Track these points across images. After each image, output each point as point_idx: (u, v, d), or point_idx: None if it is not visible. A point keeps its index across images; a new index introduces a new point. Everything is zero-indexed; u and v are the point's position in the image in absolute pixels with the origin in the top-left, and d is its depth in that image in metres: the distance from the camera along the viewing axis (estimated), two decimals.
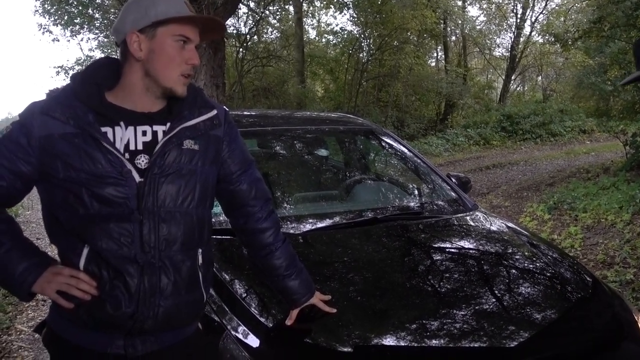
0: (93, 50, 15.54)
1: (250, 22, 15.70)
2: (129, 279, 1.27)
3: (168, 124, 1.33)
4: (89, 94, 1.28)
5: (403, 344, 1.62)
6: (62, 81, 14.71)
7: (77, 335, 1.33)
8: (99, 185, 1.24)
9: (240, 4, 11.53)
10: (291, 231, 2.27)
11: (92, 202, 1.25)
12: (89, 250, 1.27)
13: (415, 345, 1.61)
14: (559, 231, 5.71)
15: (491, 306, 1.82)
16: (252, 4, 15.19)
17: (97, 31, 14.70)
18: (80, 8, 13.45)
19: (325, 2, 16.41)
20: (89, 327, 1.31)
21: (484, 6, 21.57)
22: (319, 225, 2.41)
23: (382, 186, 3.17)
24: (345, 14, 17.63)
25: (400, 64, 16.05)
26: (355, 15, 16.22)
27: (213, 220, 1.52)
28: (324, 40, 19.15)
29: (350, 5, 15.75)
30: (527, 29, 21.09)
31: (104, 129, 1.27)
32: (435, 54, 21.05)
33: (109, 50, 14.78)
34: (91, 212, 1.25)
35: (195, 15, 1.35)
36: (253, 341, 1.60)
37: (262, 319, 1.68)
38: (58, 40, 17.55)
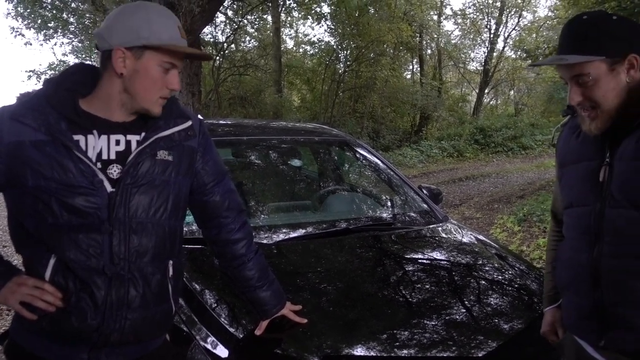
0: (67, 55, 15.25)
1: (227, 30, 15.69)
2: (95, 290, 1.25)
3: (142, 134, 1.32)
4: (63, 100, 1.26)
5: (373, 354, 1.63)
6: (34, 85, 14.41)
7: (40, 347, 1.31)
8: (69, 194, 1.22)
9: (218, 13, 11.52)
10: (264, 241, 2.27)
11: (61, 211, 1.23)
12: (55, 260, 1.25)
13: (385, 355, 1.62)
14: (528, 243, 5.82)
15: (461, 316, 1.86)
16: (230, 13, 15.18)
17: (71, 36, 14.47)
18: (54, 12, 13.22)
19: (303, 13, 16.51)
20: (53, 339, 1.29)
21: (459, 21, 22.06)
22: (292, 235, 2.41)
23: (355, 197, 3.20)
24: (322, 25, 17.81)
25: (376, 76, 16.23)
26: (332, 27, 16.36)
27: (184, 229, 1.52)
28: (301, 50, 19.26)
29: (328, 16, 15.89)
30: (500, 44, 21.63)
31: (76, 137, 1.25)
32: (410, 67, 21.36)
33: (83, 56, 14.54)
34: (60, 222, 1.23)
35: (189, 49, 1.34)
36: (222, 352, 1.59)
37: (232, 329, 1.68)
38: (30, 44, 17.20)
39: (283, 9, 16.03)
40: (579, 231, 1.37)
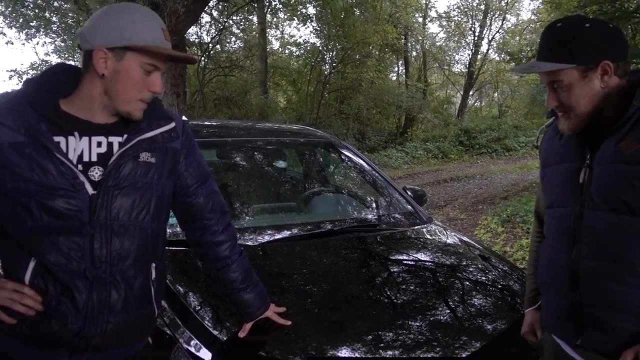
0: (49, 55, 15.05)
1: (213, 31, 15.62)
2: (76, 294, 1.23)
3: (125, 136, 1.30)
4: (43, 101, 1.24)
5: (358, 356, 1.63)
6: (15, 85, 14.21)
7: (20, 351, 1.29)
8: (49, 196, 1.21)
9: (203, 13, 11.46)
10: (249, 242, 2.26)
11: (41, 214, 1.21)
12: (35, 263, 1.23)
13: (370, 356, 1.63)
14: (511, 243, 5.88)
15: (445, 317, 1.87)
16: (215, 13, 15.12)
17: (54, 35, 14.27)
18: (36, 11, 13.03)
19: (288, 14, 16.50)
20: (33, 343, 1.27)
21: (444, 23, 22.26)
22: (277, 236, 2.41)
23: (340, 198, 3.20)
24: (308, 27, 17.82)
25: (362, 77, 16.28)
26: (318, 28, 16.38)
27: (168, 231, 1.50)
28: (287, 51, 19.25)
29: (314, 18, 15.90)
30: (484, 47, 21.87)
31: (56, 139, 1.23)
32: (396, 69, 21.48)
33: (66, 56, 14.36)
34: (40, 225, 1.21)
35: (172, 52, 1.31)
36: (205, 354, 1.58)
37: (215, 332, 1.67)
38: (12, 44, 16.92)
39: (269, 9, 16.01)
40: (559, 232, 1.39)
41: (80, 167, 1.24)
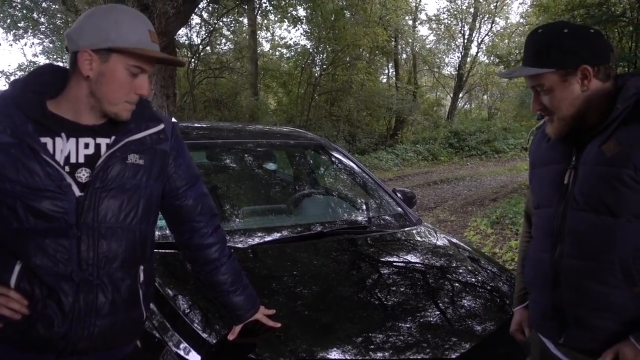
0: (37, 56, 14.92)
1: (203, 32, 15.57)
2: (63, 297, 1.22)
3: (113, 137, 1.29)
4: (29, 102, 1.23)
5: (348, 357, 1.63)
6: (2, 86, 14.06)
7: (5, 356, 1.27)
8: (36, 198, 1.20)
9: (193, 14, 11.43)
10: (239, 245, 2.26)
11: (27, 216, 1.20)
12: (21, 266, 1.22)
13: (360, 358, 1.63)
14: (500, 245, 5.92)
15: (434, 318, 1.88)
16: (205, 15, 15.07)
17: (42, 36, 14.16)
18: (24, 11, 12.92)
19: (279, 16, 16.50)
20: (18, 347, 1.26)
21: (434, 26, 22.37)
22: (267, 238, 2.40)
23: (330, 200, 3.20)
24: (299, 29, 17.82)
25: (352, 80, 16.31)
26: (308, 30, 16.40)
27: (157, 233, 1.50)
28: (277, 53, 19.25)
29: (304, 20, 15.91)
30: (473, 50, 22.02)
31: (43, 140, 1.22)
32: (386, 71, 21.56)
33: (55, 57, 14.25)
34: (26, 227, 1.20)
35: (158, 54, 1.30)
36: (194, 357, 1.57)
37: (205, 335, 1.66)
38: None
39: (259, 11, 15.99)
40: (544, 232, 1.42)
41: (67, 168, 1.24)
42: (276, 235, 2.45)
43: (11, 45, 21.67)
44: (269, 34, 19.77)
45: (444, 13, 22.58)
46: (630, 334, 1.24)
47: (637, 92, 1.28)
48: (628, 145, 1.24)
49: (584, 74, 1.29)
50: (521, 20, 21.14)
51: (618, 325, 1.27)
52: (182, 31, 13.58)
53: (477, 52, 22.16)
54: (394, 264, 2.36)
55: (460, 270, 2.31)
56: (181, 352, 1.59)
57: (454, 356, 1.66)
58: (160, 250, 1.90)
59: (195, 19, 14.52)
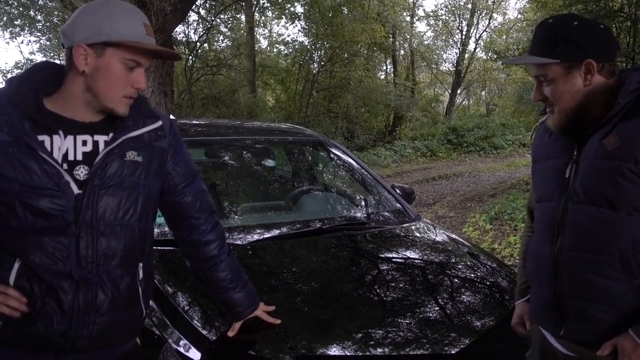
0: (34, 54, 14.91)
1: (200, 29, 15.53)
2: (62, 295, 1.22)
3: (110, 134, 1.29)
4: (26, 99, 1.23)
5: (348, 354, 1.63)
6: None
7: (4, 354, 1.27)
8: (34, 196, 1.19)
9: (191, 11, 11.40)
10: (238, 241, 2.26)
11: (25, 214, 1.19)
12: (20, 264, 1.21)
13: (360, 354, 1.63)
14: (499, 241, 5.92)
15: (434, 314, 1.88)
16: (202, 12, 15.04)
17: (38, 34, 14.13)
18: (21, 9, 12.88)
19: (277, 13, 16.47)
20: (17, 345, 1.25)
21: (431, 22, 22.35)
22: (266, 235, 2.40)
23: (329, 197, 3.20)
24: (296, 25, 17.78)
25: (350, 76, 16.29)
26: (306, 27, 16.37)
27: (156, 230, 1.49)
28: (275, 50, 19.21)
29: (302, 16, 15.89)
30: (471, 46, 22.01)
31: (40, 138, 1.21)
32: (384, 67, 21.54)
33: (52, 54, 14.22)
34: (24, 225, 1.20)
35: (154, 47, 1.29)
36: (194, 354, 1.57)
37: (205, 332, 1.66)
38: None
39: (257, 8, 15.97)
40: (545, 225, 1.43)
41: (65, 166, 1.23)
42: (275, 232, 2.45)
43: (8, 43, 21.64)
44: (266, 30, 19.78)
45: (441, 9, 22.50)
46: (629, 326, 1.25)
47: (639, 86, 1.28)
48: (629, 139, 1.24)
49: (588, 68, 1.30)
50: (519, 16, 21.16)
51: (617, 318, 1.28)
52: (180, 28, 13.57)
53: (475, 48, 22.19)
54: (393, 260, 2.37)
55: (460, 266, 2.31)
56: (181, 349, 1.59)
57: (453, 351, 1.67)
58: (159, 248, 1.90)
59: (193, 16, 14.50)
